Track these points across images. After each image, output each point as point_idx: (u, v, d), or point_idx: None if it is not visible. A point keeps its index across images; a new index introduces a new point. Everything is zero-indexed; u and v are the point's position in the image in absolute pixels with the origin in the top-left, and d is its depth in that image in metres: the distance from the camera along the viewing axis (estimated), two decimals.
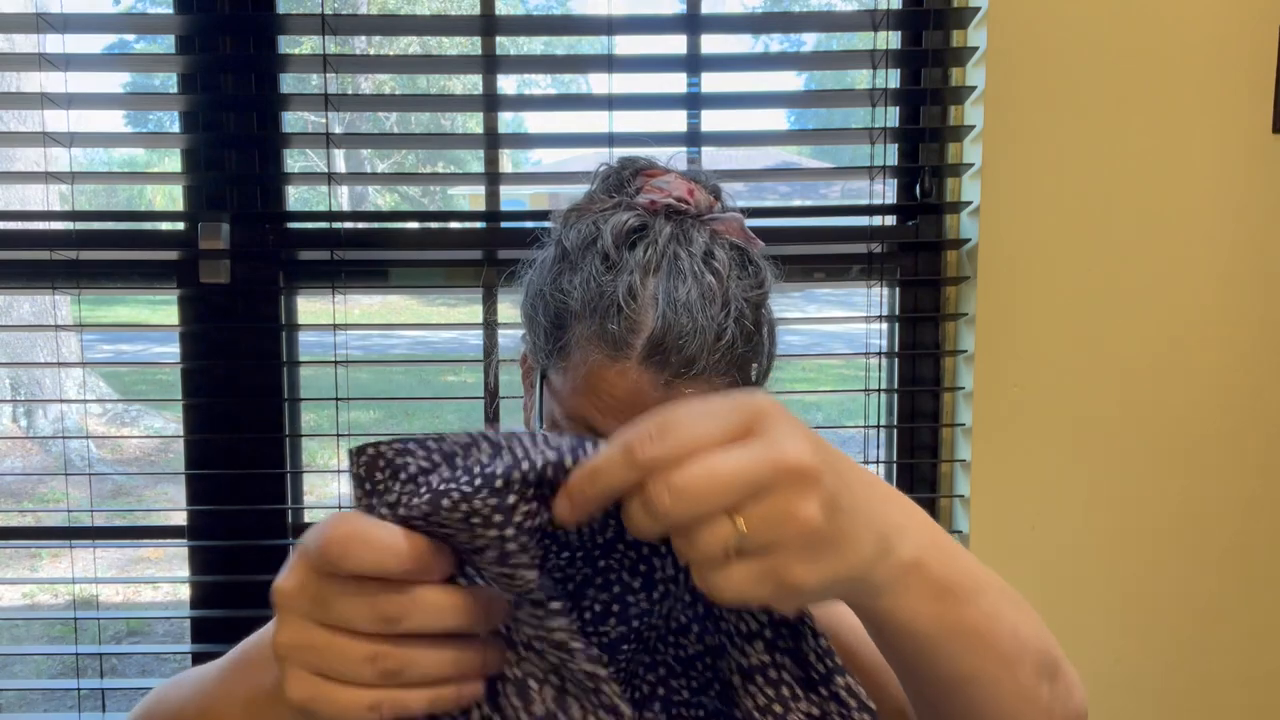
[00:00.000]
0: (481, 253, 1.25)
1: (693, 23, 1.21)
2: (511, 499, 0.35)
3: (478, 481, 0.35)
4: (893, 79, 1.26)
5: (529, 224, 1.24)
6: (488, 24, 1.22)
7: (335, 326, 1.22)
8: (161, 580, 4.63)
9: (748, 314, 0.62)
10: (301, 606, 0.37)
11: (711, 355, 0.59)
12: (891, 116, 1.26)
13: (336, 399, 1.24)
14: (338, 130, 1.23)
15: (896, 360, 1.30)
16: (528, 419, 0.69)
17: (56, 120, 1.20)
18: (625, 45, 1.21)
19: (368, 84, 7.66)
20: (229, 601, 1.27)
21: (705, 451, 0.34)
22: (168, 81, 1.89)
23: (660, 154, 0.71)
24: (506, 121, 1.29)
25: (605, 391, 0.60)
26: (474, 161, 1.52)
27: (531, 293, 0.67)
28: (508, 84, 5.96)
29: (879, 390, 1.28)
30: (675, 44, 1.23)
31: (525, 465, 0.35)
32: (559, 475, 0.36)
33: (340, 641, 0.36)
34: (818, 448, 0.35)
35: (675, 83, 1.24)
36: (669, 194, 0.64)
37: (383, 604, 0.36)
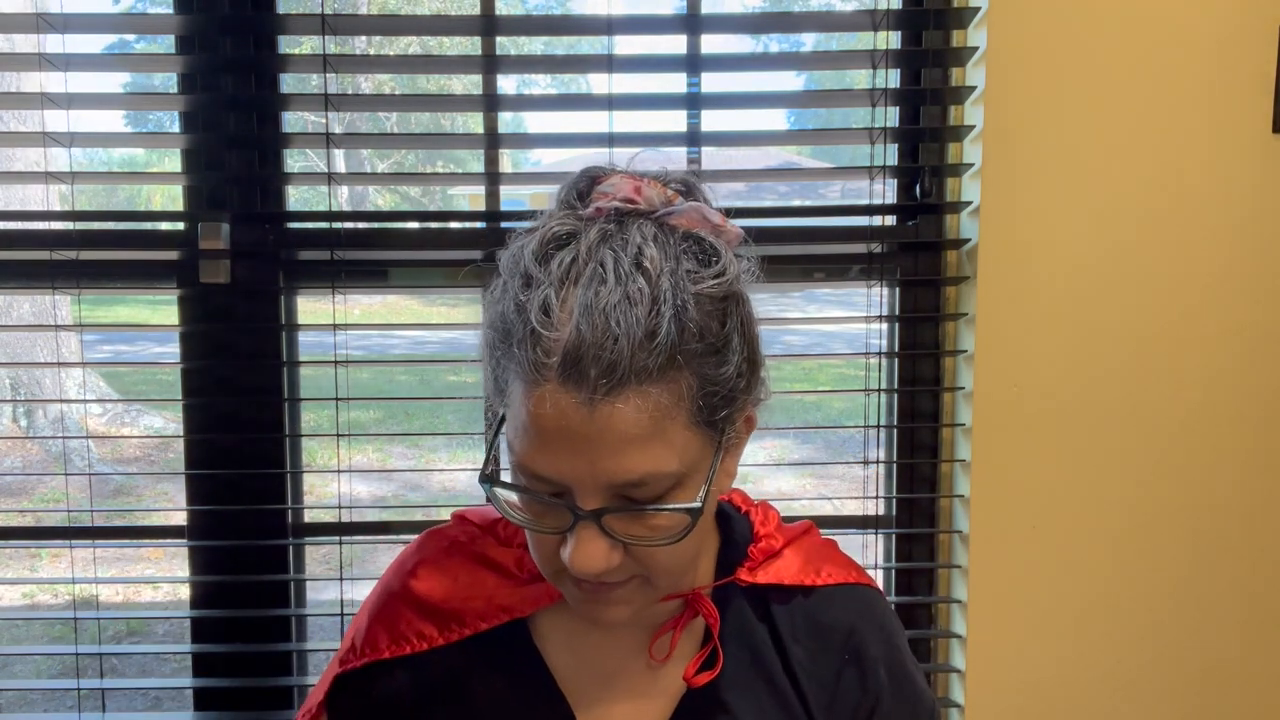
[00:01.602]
0: (481, 253, 1.25)
1: (693, 23, 1.21)
2: None
3: None
4: (893, 79, 1.26)
5: (529, 225, 1.24)
6: (488, 24, 1.23)
7: (335, 326, 1.22)
8: (161, 580, 4.63)
9: (703, 306, 0.55)
10: None
11: (640, 359, 0.52)
12: (891, 116, 1.27)
13: (336, 399, 1.24)
14: (338, 130, 1.23)
15: (896, 360, 1.30)
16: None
17: (56, 120, 1.20)
18: (625, 45, 1.21)
19: (368, 84, 7.65)
20: (229, 601, 1.27)
21: None
22: (168, 81, 1.89)
23: (650, 153, 0.67)
24: (506, 121, 1.29)
25: (536, 422, 0.54)
26: (474, 161, 1.53)
27: (482, 328, 0.61)
28: (508, 84, 5.96)
29: (879, 390, 1.28)
30: (675, 44, 1.23)
31: None
32: None
33: None
34: None
35: (675, 83, 1.24)
36: (614, 197, 0.59)
37: None
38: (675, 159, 1.26)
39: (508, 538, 0.73)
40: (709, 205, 0.62)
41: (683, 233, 0.58)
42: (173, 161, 1.48)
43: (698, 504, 0.57)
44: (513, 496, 0.60)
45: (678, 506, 0.57)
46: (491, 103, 1.25)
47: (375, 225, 1.30)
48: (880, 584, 1.35)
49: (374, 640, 0.71)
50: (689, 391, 0.55)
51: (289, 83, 1.29)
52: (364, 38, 1.46)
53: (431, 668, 0.70)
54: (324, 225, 1.26)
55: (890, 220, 1.29)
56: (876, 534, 1.31)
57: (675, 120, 1.25)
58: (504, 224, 1.24)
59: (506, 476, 0.61)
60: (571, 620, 0.71)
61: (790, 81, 5.08)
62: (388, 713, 0.71)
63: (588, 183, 0.61)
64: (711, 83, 1.25)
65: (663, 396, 0.54)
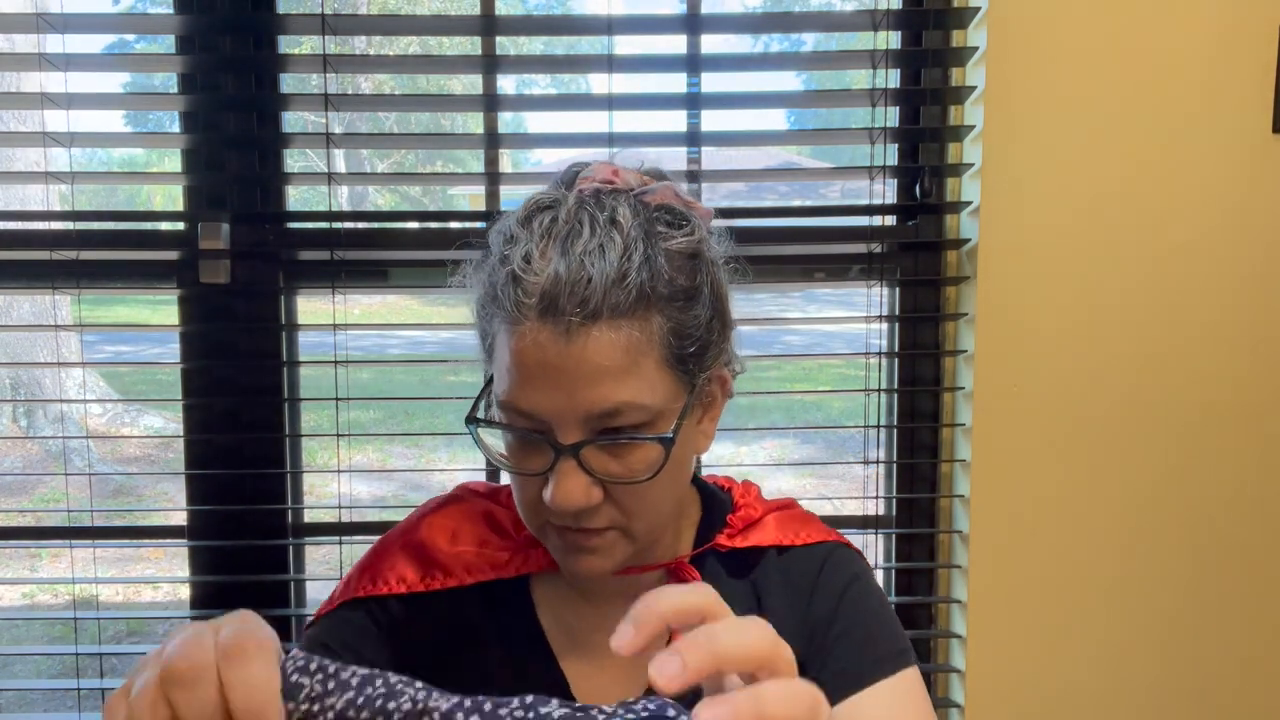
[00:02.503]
0: (482, 253, 1.25)
1: (693, 23, 1.21)
2: None
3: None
4: (893, 79, 1.26)
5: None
6: (488, 24, 1.23)
7: (335, 326, 1.22)
8: (161, 580, 4.63)
9: (673, 261, 0.60)
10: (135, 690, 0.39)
11: (613, 296, 0.56)
12: (891, 116, 1.27)
13: (336, 399, 1.24)
14: (338, 130, 1.23)
15: (896, 360, 1.30)
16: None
17: (56, 120, 1.20)
18: (625, 45, 1.21)
19: (368, 84, 7.65)
20: (229, 601, 1.27)
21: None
22: (168, 81, 1.89)
23: (653, 153, 0.70)
24: (506, 121, 1.29)
25: (518, 360, 0.58)
26: (474, 161, 1.53)
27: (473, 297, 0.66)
28: (507, 84, 5.96)
29: (879, 390, 1.28)
30: (675, 44, 1.24)
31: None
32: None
33: None
34: None
35: (675, 83, 1.24)
36: (593, 180, 0.63)
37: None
38: (672, 158, 1.26)
39: (508, 503, 0.75)
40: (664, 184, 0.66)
41: (656, 204, 0.63)
42: (173, 161, 1.48)
43: (669, 434, 0.60)
44: (498, 442, 0.63)
45: (651, 436, 0.60)
46: (491, 103, 1.25)
47: (375, 225, 1.30)
48: (880, 584, 1.36)
49: (349, 582, 0.74)
50: (660, 331, 0.59)
51: (289, 83, 1.29)
52: (364, 38, 1.45)
53: (411, 611, 0.72)
54: (324, 225, 1.26)
55: (890, 220, 1.29)
56: (876, 534, 1.31)
57: (675, 120, 1.25)
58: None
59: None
60: (563, 590, 0.73)
61: (790, 82, 5.08)
62: (356, 644, 0.71)
63: (571, 176, 0.66)
64: (711, 83, 1.25)
65: (634, 331, 0.58)
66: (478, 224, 1.28)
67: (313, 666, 0.39)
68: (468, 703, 0.39)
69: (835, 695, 0.65)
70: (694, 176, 1.23)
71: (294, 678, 0.39)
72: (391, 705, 0.38)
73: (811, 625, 0.70)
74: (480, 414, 0.64)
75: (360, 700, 0.39)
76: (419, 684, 0.40)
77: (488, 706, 0.38)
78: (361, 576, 0.73)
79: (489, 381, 0.64)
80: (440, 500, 0.78)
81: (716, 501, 0.76)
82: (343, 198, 1.27)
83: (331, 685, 0.39)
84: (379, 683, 0.39)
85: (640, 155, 0.70)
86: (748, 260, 0.72)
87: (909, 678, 0.68)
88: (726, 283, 0.66)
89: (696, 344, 0.61)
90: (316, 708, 0.39)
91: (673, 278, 0.60)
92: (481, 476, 1.35)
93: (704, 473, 0.87)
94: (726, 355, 0.67)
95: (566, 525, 0.62)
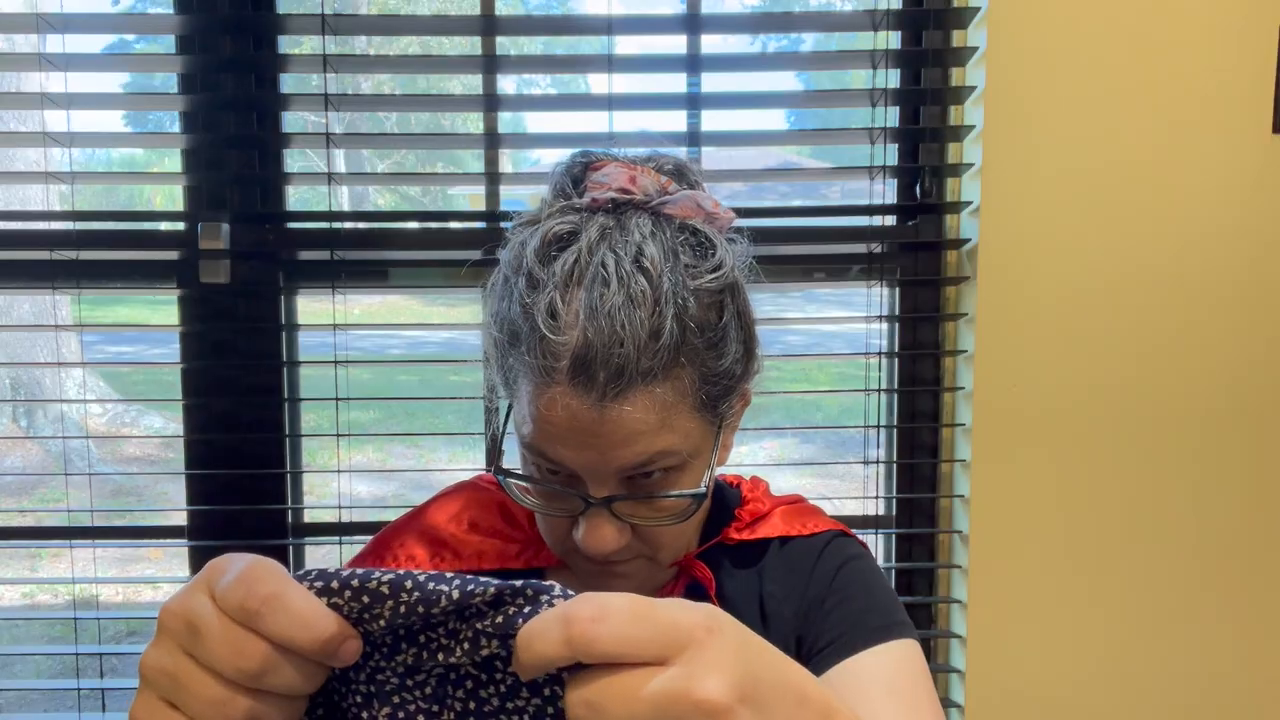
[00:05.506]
0: (481, 253, 1.25)
1: (693, 23, 1.21)
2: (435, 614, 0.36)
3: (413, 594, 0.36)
4: (893, 79, 1.26)
5: (528, 213, 1.24)
6: (488, 24, 1.23)
7: (335, 326, 1.22)
8: (161, 580, 4.63)
9: (701, 301, 0.58)
10: (178, 632, 0.35)
11: (646, 360, 0.55)
12: (891, 116, 1.27)
13: (336, 399, 1.24)
14: (338, 130, 1.24)
15: (896, 360, 1.30)
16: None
17: (56, 120, 1.20)
18: (625, 45, 1.21)
19: (368, 84, 7.64)
20: None
21: (626, 671, 0.32)
22: (168, 81, 1.89)
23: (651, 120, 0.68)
24: (506, 121, 1.29)
25: (546, 420, 0.57)
26: (474, 161, 1.52)
27: (484, 321, 0.64)
28: (507, 84, 5.95)
29: (879, 390, 1.28)
30: (675, 44, 1.24)
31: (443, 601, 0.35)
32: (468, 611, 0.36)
33: (198, 678, 0.34)
34: (738, 683, 0.33)
35: (675, 83, 1.24)
36: (609, 187, 0.60)
37: (246, 659, 0.34)
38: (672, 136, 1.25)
39: None
40: (701, 187, 0.64)
41: (679, 224, 0.60)
42: (173, 161, 1.48)
43: (702, 489, 0.60)
44: (525, 483, 0.63)
45: (684, 493, 0.60)
46: (491, 103, 1.25)
47: (375, 225, 1.30)
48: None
49: (358, 560, 0.74)
50: (691, 385, 0.58)
51: (289, 83, 1.29)
52: (364, 38, 1.45)
53: None
54: (324, 225, 1.26)
55: (890, 220, 1.29)
56: (876, 534, 1.31)
57: (675, 120, 1.25)
58: (504, 224, 1.24)
59: (515, 461, 0.64)
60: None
61: (790, 82, 5.06)
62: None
63: (581, 169, 0.63)
64: (711, 83, 1.25)
65: (668, 394, 0.57)
66: (477, 224, 1.28)
67: (335, 585, 0.36)
68: (509, 589, 0.36)
69: (827, 662, 0.65)
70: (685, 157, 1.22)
71: (325, 602, 0.35)
72: (435, 611, 0.35)
73: (807, 605, 0.70)
74: (504, 457, 0.63)
75: (402, 609, 0.35)
76: (445, 576, 0.36)
77: (529, 591, 0.36)
78: (370, 554, 0.74)
79: (508, 412, 0.63)
80: (453, 486, 0.79)
81: (725, 497, 0.77)
82: (343, 198, 1.27)
83: (367, 599, 0.35)
84: (409, 584, 0.35)
85: (645, 136, 0.69)
86: None
87: (905, 647, 0.66)
88: (750, 301, 0.64)
89: (725, 384, 0.61)
90: (366, 616, 0.35)
91: (703, 323, 0.58)
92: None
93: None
94: (750, 375, 0.65)
95: (595, 558, 0.63)
